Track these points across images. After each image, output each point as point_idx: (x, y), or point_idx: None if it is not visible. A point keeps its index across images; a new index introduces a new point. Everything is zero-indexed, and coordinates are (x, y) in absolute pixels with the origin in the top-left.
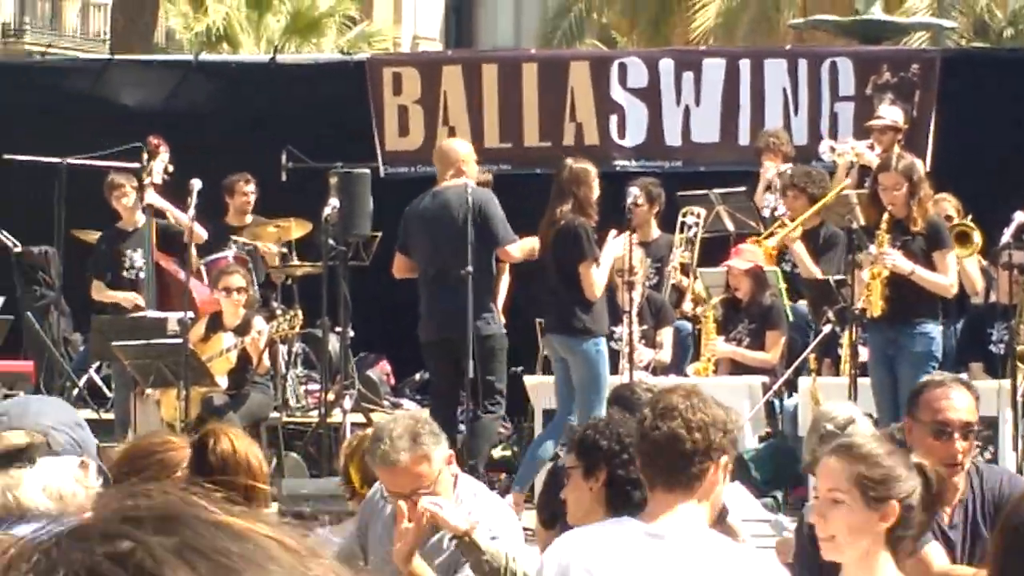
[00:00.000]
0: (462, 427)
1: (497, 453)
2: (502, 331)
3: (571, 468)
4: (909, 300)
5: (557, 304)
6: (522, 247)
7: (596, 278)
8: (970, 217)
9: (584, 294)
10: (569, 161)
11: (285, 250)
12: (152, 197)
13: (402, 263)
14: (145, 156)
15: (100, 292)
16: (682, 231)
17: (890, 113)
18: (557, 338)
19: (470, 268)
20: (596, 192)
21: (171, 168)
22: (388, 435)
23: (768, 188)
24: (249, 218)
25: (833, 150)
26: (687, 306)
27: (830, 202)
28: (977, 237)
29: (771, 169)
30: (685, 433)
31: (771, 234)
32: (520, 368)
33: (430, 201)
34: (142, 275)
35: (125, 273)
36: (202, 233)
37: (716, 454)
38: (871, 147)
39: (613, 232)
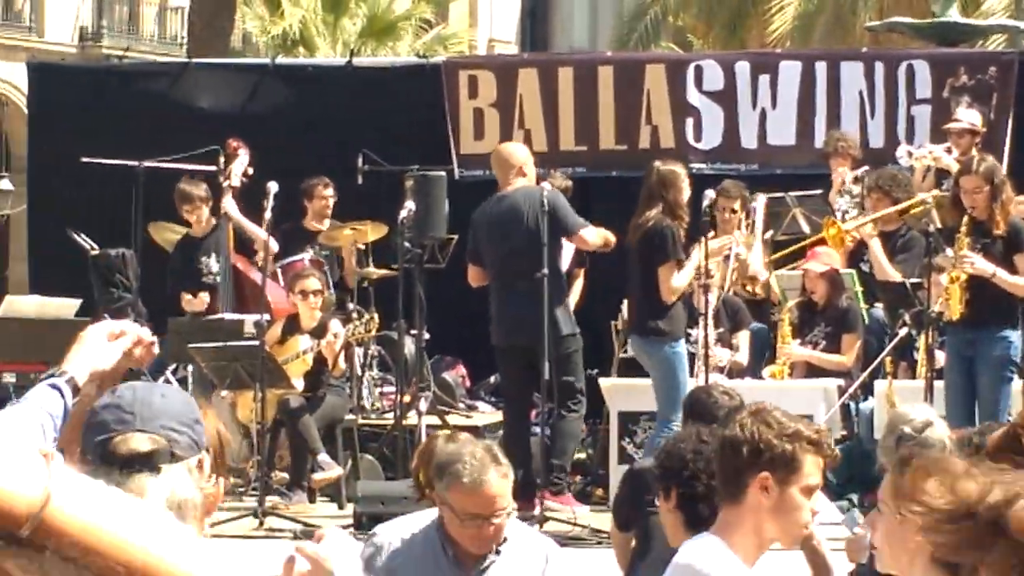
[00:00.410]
0: (536, 430)
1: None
2: (576, 331)
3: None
4: (988, 304)
5: (636, 306)
6: (598, 232)
7: (674, 282)
8: None
9: (661, 296)
10: (657, 164)
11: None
12: (230, 206)
13: (475, 272)
14: (222, 160)
15: (188, 303)
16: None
17: (968, 116)
18: (633, 340)
19: (545, 270)
20: (686, 194)
21: (251, 171)
22: (467, 456)
23: (840, 192)
24: (327, 222)
25: (911, 155)
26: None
27: (914, 209)
28: None
29: (845, 173)
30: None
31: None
32: (596, 371)
33: (496, 206)
34: (219, 279)
35: (204, 279)
36: (274, 247)
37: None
38: (948, 150)
39: (701, 240)
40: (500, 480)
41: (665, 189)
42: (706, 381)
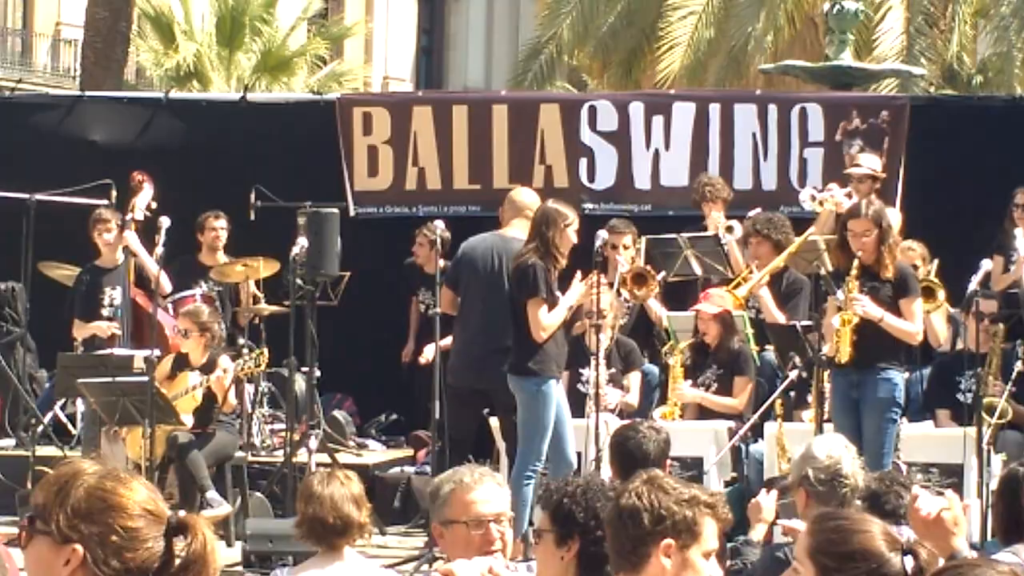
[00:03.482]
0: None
1: None
2: None
3: (543, 531)
4: (874, 346)
5: (512, 344)
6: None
7: (543, 319)
8: (936, 264)
9: (531, 334)
10: (548, 202)
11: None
12: (131, 238)
13: (449, 297)
14: (114, 193)
15: (82, 329)
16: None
17: (869, 161)
18: (508, 378)
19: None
20: (569, 235)
21: (154, 204)
22: (465, 473)
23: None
24: (222, 257)
25: (814, 198)
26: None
27: (798, 243)
28: (942, 294)
29: (719, 218)
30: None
31: (739, 283)
32: (487, 409)
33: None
34: (118, 312)
35: (104, 310)
36: (166, 286)
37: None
38: (849, 195)
39: (578, 275)
40: (497, 485)
41: (545, 227)
42: (597, 422)
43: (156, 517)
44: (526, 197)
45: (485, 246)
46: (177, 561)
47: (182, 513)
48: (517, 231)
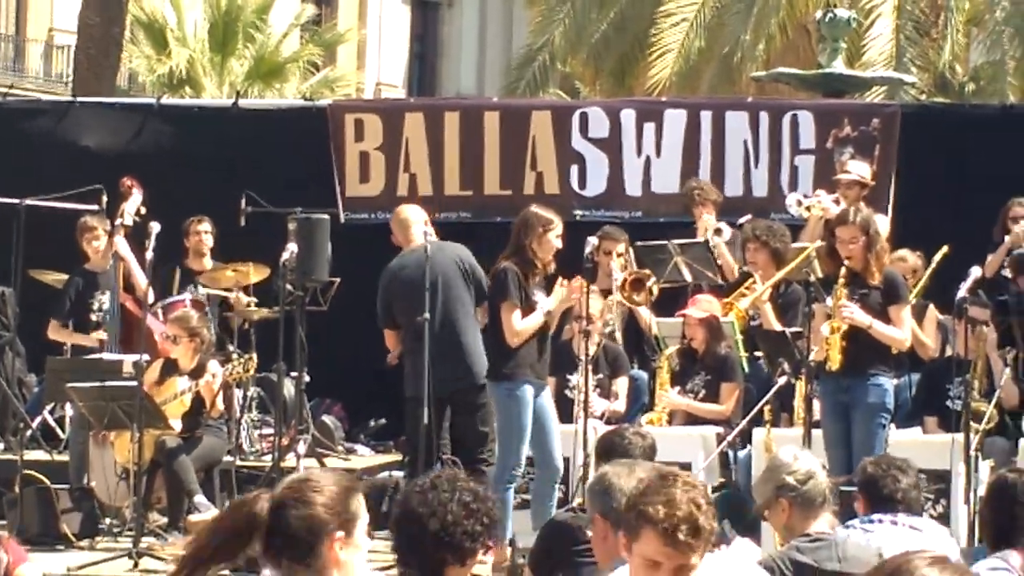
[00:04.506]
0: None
1: None
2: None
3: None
4: (863, 352)
5: (488, 348)
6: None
7: (515, 323)
8: (943, 251)
9: (504, 338)
10: (530, 208)
11: (242, 296)
12: (121, 245)
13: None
14: (105, 199)
15: (58, 332)
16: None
17: (857, 168)
18: (487, 383)
19: (426, 315)
20: (549, 241)
21: (143, 210)
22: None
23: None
24: (209, 261)
25: (800, 203)
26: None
27: (800, 258)
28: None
29: (710, 220)
30: None
31: (741, 295)
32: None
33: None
34: (108, 317)
35: (93, 316)
36: (151, 297)
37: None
38: (836, 201)
39: (560, 281)
40: None
41: (524, 233)
42: (584, 428)
43: None
44: (407, 213)
45: (413, 263)
46: None
47: None
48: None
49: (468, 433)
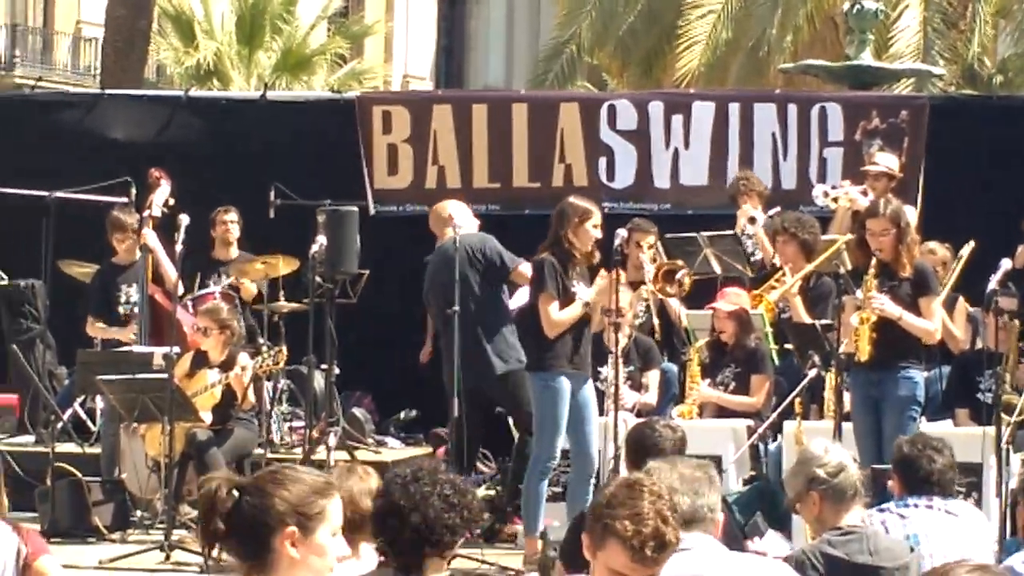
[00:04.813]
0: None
1: (481, 492)
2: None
3: None
4: (894, 345)
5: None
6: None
7: (552, 315)
8: (971, 247)
9: (542, 330)
10: (568, 199)
11: (259, 288)
12: (150, 236)
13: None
14: (134, 191)
15: (95, 329)
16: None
17: (885, 159)
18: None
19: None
20: (587, 231)
21: (172, 201)
22: None
23: (743, 233)
24: (235, 251)
25: (826, 195)
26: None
27: (831, 251)
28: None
29: (750, 211)
30: None
31: (771, 288)
32: (502, 408)
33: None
34: (136, 309)
35: (121, 308)
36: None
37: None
38: (864, 192)
39: (601, 272)
40: None
41: (561, 223)
42: (615, 421)
43: None
44: (447, 208)
45: (439, 257)
46: None
47: None
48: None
49: (520, 418)
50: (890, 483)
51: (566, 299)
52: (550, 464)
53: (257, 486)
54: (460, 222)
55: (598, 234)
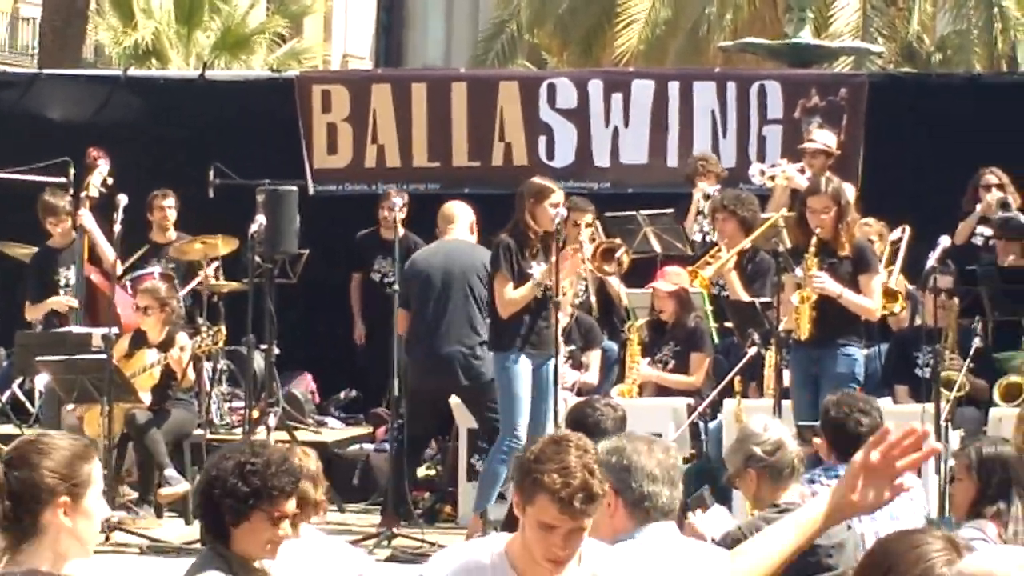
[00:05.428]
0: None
1: (421, 472)
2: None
3: None
4: (833, 322)
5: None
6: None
7: (505, 294)
8: (909, 232)
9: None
10: (532, 178)
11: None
12: (86, 217)
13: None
14: (72, 171)
15: (32, 311)
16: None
17: (822, 136)
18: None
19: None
20: (544, 211)
21: (110, 181)
22: None
23: (700, 212)
24: (172, 234)
25: (763, 173)
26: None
27: (765, 226)
28: (898, 306)
29: (707, 188)
30: None
31: (706, 263)
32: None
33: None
34: (75, 291)
35: (61, 291)
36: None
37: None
38: (801, 171)
39: (563, 253)
40: None
41: (518, 204)
42: (555, 399)
43: None
44: (452, 210)
45: (437, 256)
46: None
47: None
48: (458, 234)
49: (483, 424)
50: (816, 440)
51: (521, 280)
52: (513, 444)
53: (21, 457)
54: (454, 232)
55: (560, 212)
